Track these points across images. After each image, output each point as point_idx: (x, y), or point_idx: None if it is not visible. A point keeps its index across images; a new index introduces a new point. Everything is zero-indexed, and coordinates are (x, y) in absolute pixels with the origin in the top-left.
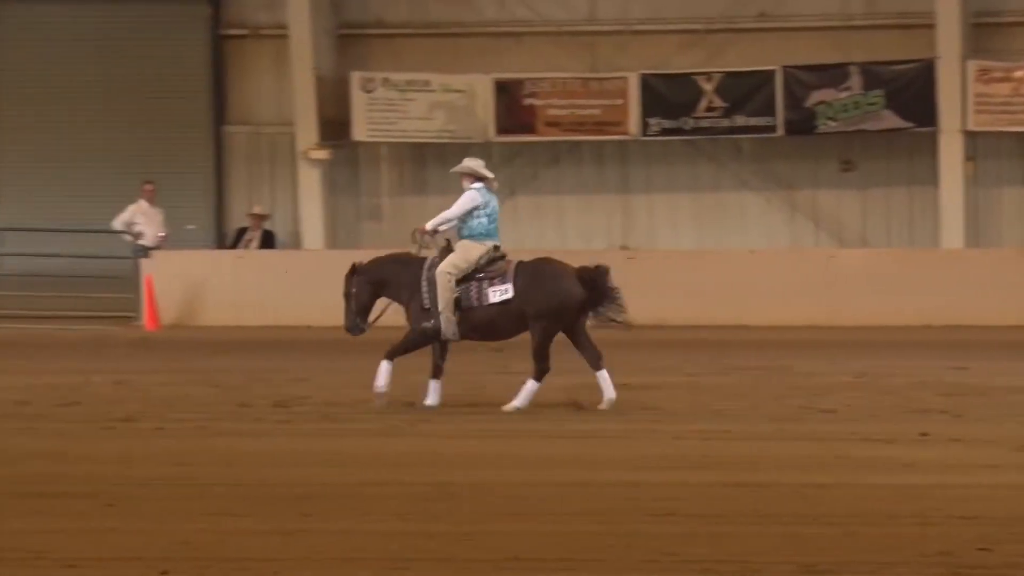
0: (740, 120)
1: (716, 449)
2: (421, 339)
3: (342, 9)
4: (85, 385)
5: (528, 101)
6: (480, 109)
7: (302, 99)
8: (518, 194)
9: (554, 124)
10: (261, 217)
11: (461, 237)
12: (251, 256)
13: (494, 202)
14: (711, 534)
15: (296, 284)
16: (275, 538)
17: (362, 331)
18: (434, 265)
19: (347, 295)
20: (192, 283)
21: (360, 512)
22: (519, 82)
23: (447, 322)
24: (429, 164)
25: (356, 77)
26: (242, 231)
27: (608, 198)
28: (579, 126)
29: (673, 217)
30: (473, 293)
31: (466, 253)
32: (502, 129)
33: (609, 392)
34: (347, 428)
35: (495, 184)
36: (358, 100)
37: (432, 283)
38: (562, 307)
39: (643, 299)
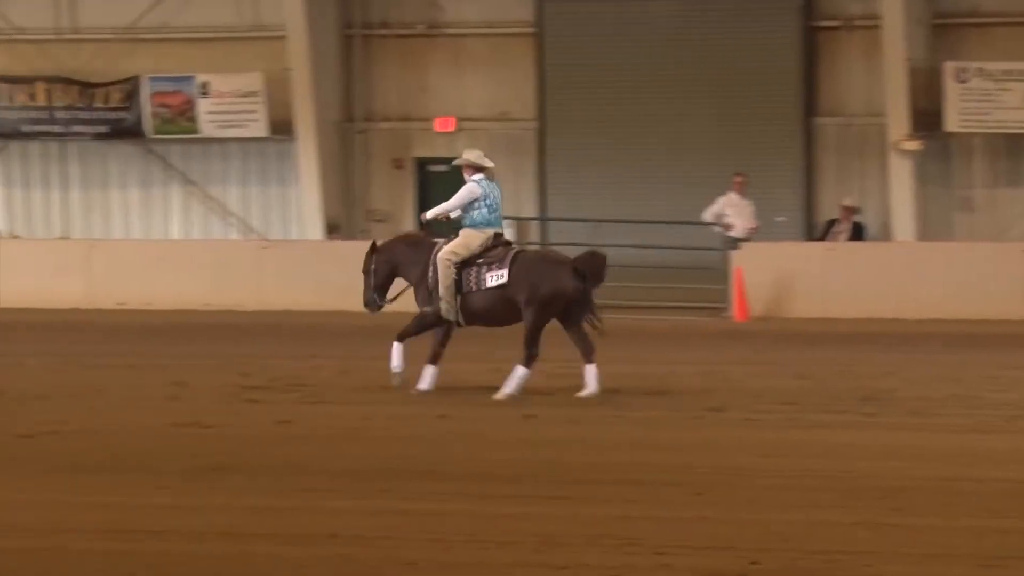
0: None
1: None
2: (426, 321)
3: None
4: (672, 375)
5: None
6: None
7: (894, 90)
8: None
9: None
10: (851, 209)
11: (463, 227)
12: (841, 248)
13: (495, 192)
14: None
15: (887, 276)
16: (864, 531)
17: (379, 307)
18: (441, 249)
19: (366, 271)
20: (781, 275)
21: (951, 508)
22: None
23: (447, 306)
24: None
25: (949, 67)
26: (832, 223)
27: None
28: None
29: None
30: (472, 278)
31: (467, 240)
32: None
33: (592, 387)
34: (935, 423)
35: (493, 173)
36: (951, 90)
37: (436, 267)
38: (553, 296)
39: None
